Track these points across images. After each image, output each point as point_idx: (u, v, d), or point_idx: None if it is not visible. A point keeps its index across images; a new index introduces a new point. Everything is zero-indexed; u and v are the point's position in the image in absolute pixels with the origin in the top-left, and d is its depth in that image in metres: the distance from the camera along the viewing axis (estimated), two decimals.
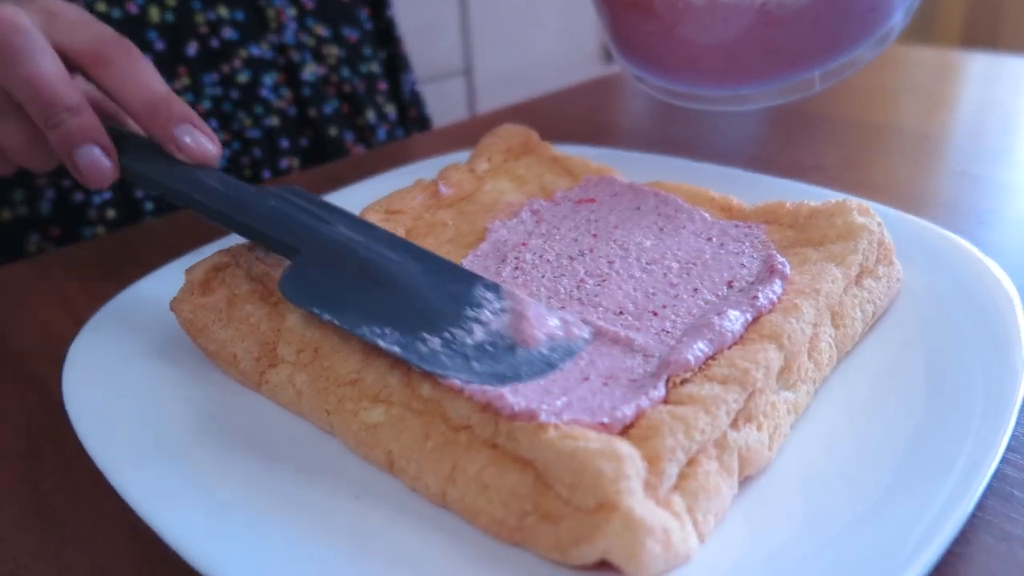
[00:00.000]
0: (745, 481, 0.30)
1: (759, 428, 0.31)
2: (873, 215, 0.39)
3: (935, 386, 0.34)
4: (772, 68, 0.58)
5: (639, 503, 0.25)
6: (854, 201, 0.40)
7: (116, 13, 0.66)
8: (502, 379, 0.30)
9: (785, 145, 0.70)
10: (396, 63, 0.87)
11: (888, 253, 0.40)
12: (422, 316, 0.34)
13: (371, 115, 0.83)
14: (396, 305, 0.35)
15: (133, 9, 0.67)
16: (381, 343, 0.32)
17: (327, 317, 0.34)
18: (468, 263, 0.41)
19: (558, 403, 0.29)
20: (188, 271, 0.39)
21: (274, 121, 0.76)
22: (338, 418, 0.33)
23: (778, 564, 0.26)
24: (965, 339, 0.36)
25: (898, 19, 0.58)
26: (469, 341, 0.33)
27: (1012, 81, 0.84)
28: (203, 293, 0.39)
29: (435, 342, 0.32)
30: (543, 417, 0.28)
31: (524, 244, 0.42)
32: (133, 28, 0.67)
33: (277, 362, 0.37)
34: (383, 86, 0.85)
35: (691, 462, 0.28)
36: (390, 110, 0.86)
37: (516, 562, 0.27)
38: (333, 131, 0.80)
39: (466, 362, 0.31)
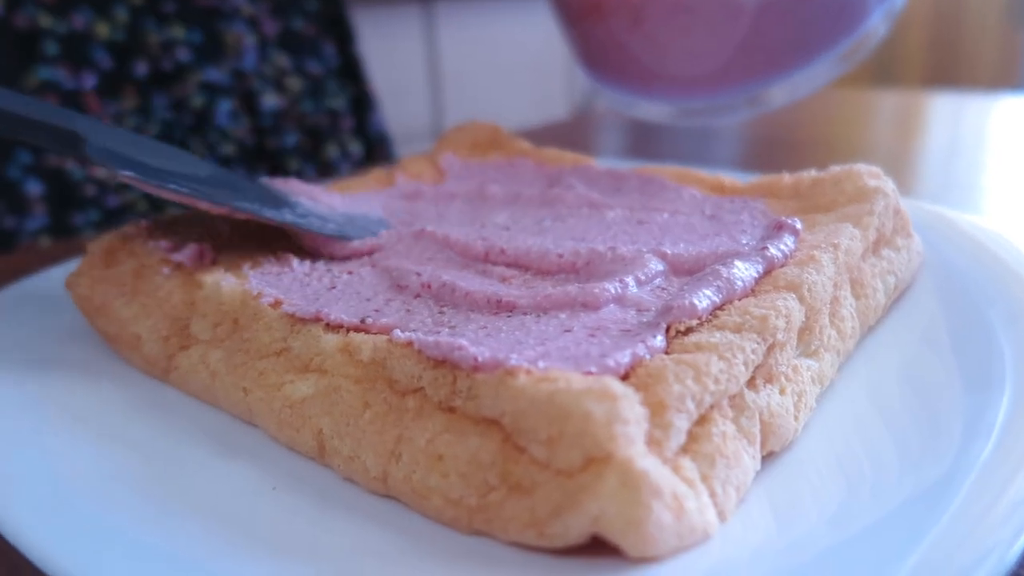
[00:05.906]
0: (769, 457, 0.24)
1: (782, 391, 0.25)
2: (886, 179, 0.35)
3: (965, 364, 0.28)
4: (746, 68, 0.55)
5: (641, 455, 0.19)
6: (863, 166, 0.35)
7: (61, 28, 0.62)
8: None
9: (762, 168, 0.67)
10: (363, 101, 0.84)
11: (905, 224, 0.35)
12: (258, 197, 0.34)
13: (333, 150, 0.79)
14: (230, 187, 0.34)
15: (79, 24, 0.63)
16: (247, 205, 0.32)
17: (172, 187, 0.30)
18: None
19: (531, 352, 0.23)
20: (91, 242, 0.33)
21: (229, 149, 0.71)
22: (258, 397, 0.27)
23: (804, 555, 0.20)
24: (993, 320, 0.31)
25: (877, 22, 0.56)
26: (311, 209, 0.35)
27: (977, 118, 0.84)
28: (107, 265, 0.32)
29: (284, 211, 0.33)
30: (513, 363, 0.22)
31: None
32: (78, 44, 0.63)
33: (189, 343, 0.30)
34: (348, 123, 0.82)
35: (703, 420, 0.22)
36: (355, 148, 0.82)
37: (475, 558, 0.21)
38: (294, 164, 0.76)
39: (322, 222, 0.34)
